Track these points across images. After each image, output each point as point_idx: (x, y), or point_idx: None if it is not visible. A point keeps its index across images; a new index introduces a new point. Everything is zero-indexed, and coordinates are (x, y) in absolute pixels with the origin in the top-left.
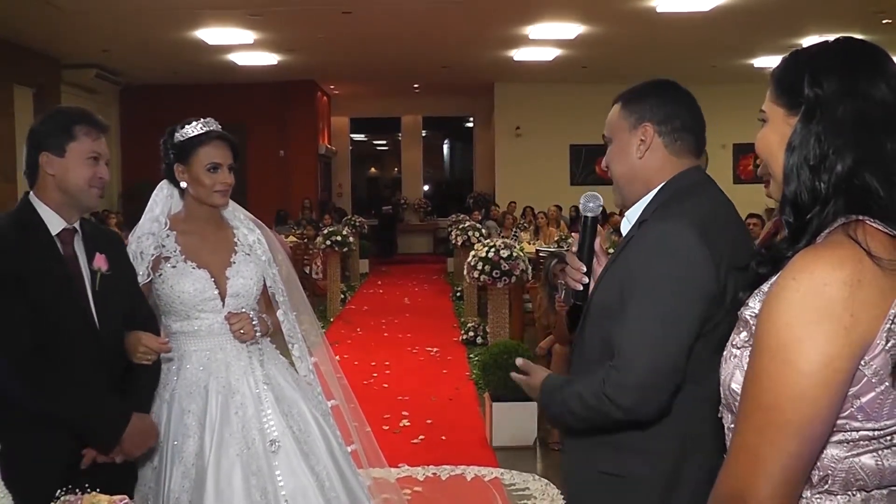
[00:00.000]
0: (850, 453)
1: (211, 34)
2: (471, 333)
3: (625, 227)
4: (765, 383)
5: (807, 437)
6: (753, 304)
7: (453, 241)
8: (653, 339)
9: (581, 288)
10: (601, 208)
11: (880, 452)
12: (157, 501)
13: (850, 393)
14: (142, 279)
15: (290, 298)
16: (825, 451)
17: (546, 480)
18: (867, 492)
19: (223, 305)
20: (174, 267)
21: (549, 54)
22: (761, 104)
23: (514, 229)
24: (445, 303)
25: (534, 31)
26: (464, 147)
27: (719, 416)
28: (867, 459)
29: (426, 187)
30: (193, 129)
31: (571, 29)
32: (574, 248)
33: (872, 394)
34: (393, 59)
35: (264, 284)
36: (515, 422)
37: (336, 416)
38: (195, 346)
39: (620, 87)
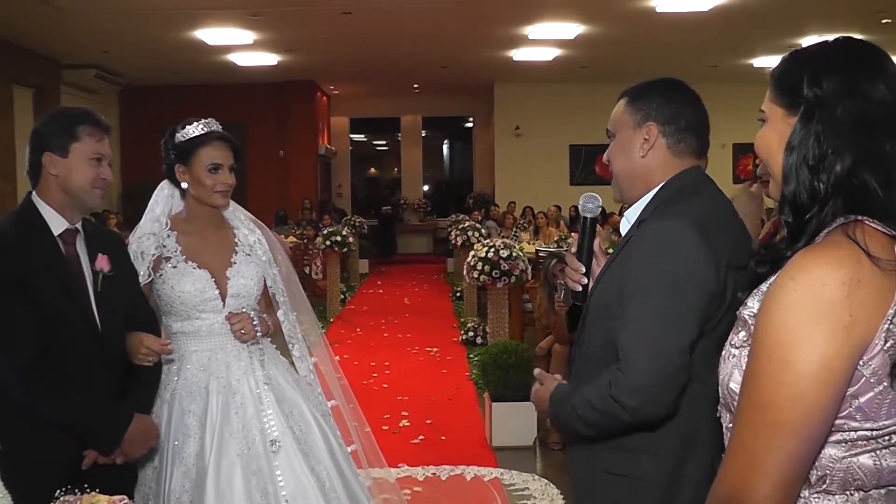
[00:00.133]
0: (848, 453)
1: (211, 34)
2: (470, 333)
3: (624, 227)
4: (763, 383)
5: (805, 436)
6: (752, 304)
7: (453, 242)
8: (655, 338)
9: (580, 288)
10: (600, 209)
11: (878, 452)
12: (158, 501)
13: (848, 393)
14: (142, 279)
15: (290, 299)
16: (823, 451)
17: (546, 480)
18: (865, 492)
19: (224, 306)
20: (175, 267)
21: (548, 54)
22: (761, 104)
23: (514, 229)
24: (445, 303)
25: (533, 31)
26: (463, 147)
27: (718, 415)
28: (865, 459)
29: (426, 187)
30: (194, 129)
31: (571, 29)
32: (573, 249)
33: (871, 394)
34: (392, 59)
35: (265, 285)
36: (515, 422)
37: (336, 416)
38: (196, 346)
39: (620, 87)
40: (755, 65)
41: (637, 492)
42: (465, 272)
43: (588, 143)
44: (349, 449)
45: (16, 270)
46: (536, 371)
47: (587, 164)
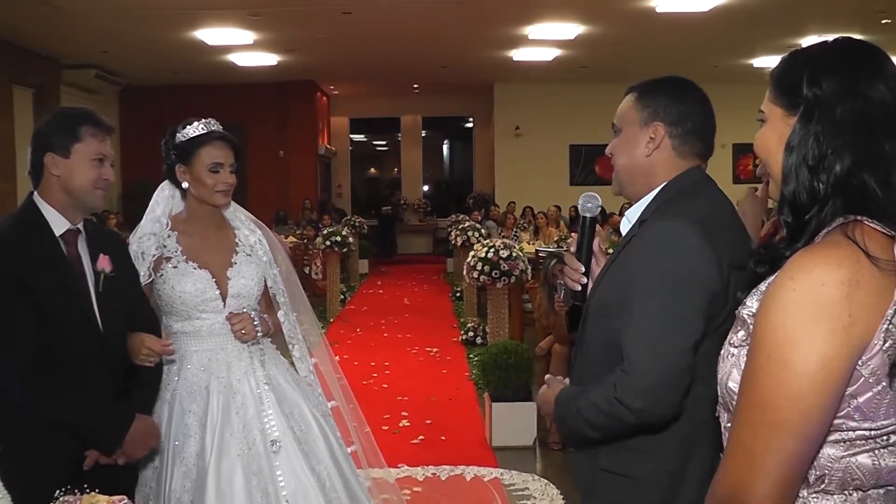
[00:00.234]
0: (846, 453)
1: (211, 34)
2: (470, 333)
3: (624, 227)
4: (762, 382)
5: (803, 436)
6: (751, 303)
7: (453, 242)
8: (661, 340)
9: (579, 288)
10: (600, 208)
11: (877, 452)
12: (158, 502)
13: (846, 393)
14: (143, 279)
15: (290, 299)
16: (822, 451)
17: (545, 480)
18: (864, 491)
19: (224, 306)
20: (175, 267)
21: (548, 54)
22: (761, 104)
23: (514, 229)
24: (445, 303)
25: (533, 31)
26: (463, 147)
27: (716, 414)
28: (864, 459)
29: (426, 187)
30: (195, 129)
31: (571, 29)
32: (572, 249)
33: (869, 394)
34: (392, 59)
35: (265, 285)
36: (515, 422)
37: (336, 416)
38: (196, 346)
39: (620, 88)
40: (755, 65)
41: (637, 492)
42: (464, 272)
43: (588, 143)
44: (349, 449)
45: (17, 271)
46: (547, 376)
47: (587, 165)
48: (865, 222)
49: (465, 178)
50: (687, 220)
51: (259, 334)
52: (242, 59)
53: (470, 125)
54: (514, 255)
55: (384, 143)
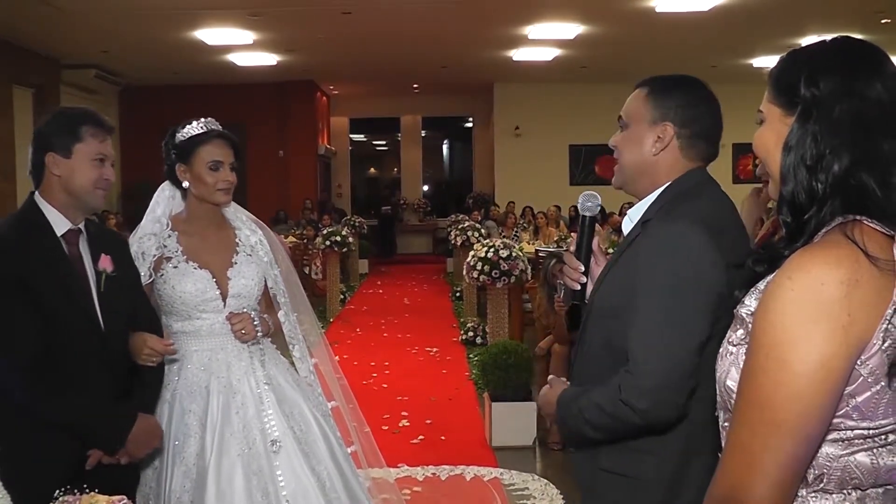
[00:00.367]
0: (845, 452)
1: (210, 34)
2: (470, 333)
3: (626, 226)
4: (760, 382)
5: (802, 436)
6: (749, 302)
7: (453, 242)
8: (667, 341)
9: (579, 287)
10: (599, 208)
11: (875, 451)
12: (159, 502)
13: (845, 392)
14: (143, 279)
15: (290, 300)
16: (820, 450)
17: (545, 480)
18: (862, 490)
19: (224, 306)
20: (176, 267)
21: (548, 54)
22: (760, 104)
23: (515, 229)
24: (445, 303)
25: (533, 31)
26: (463, 147)
27: (715, 414)
28: (862, 458)
29: (426, 187)
30: (194, 128)
31: (571, 29)
32: (572, 248)
33: (868, 393)
34: (392, 59)
35: (265, 285)
36: (515, 422)
37: (336, 417)
38: (196, 346)
39: (620, 87)
40: (755, 65)
41: (637, 492)
42: (464, 272)
43: (588, 143)
44: (349, 450)
45: (18, 271)
46: (550, 377)
47: (587, 164)
48: (865, 222)
49: (464, 178)
50: (692, 222)
51: (259, 334)
52: (242, 59)
53: (470, 125)
54: (513, 254)
55: (384, 143)
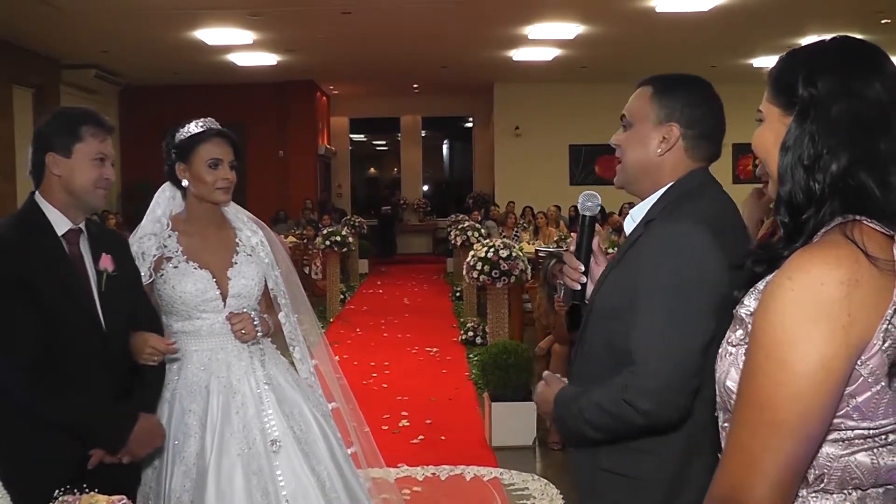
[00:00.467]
0: (845, 452)
1: (210, 34)
2: (470, 333)
3: (628, 226)
4: (760, 382)
5: (802, 436)
6: (749, 302)
7: (453, 242)
8: (672, 342)
9: (579, 287)
10: (599, 207)
11: (876, 451)
12: (159, 501)
13: (845, 392)
14: (144, 279)
15: (291, 300)
16: (821, 450)
17: (545, 480)
18: (863, 490)
19: (224, 306)
20: (176, 267)
21: (548, 54)
22: (760, 104)
23: (514, 229)
24: (445, 303)
25: (533, 31)
26: (463, 147)
27: (715, 414)
28: (862, 458)
29: (425, 187)
30: (194, 127)
31: (571, 29)
32: (572, 248)
33: (868, 393)
34: (392, 59)
35: (265, 285)
36: (515, 422)
37: (336, 418)
38: (196, 345)
39: (620, 87)
40: (755, 65)
41: (638, 492)
42: (464, 272)
43: (588, 143)
44: (350, 451)
45: (19, 270)
46: (546, 373)
47: (587, 164)
48: (864, 222)
49: (464, 178)
50: (696, 222)
51: (259, 334)
52: (242, 59)
53: (470, 125)
54: (513, 254)
55: (384, 143)
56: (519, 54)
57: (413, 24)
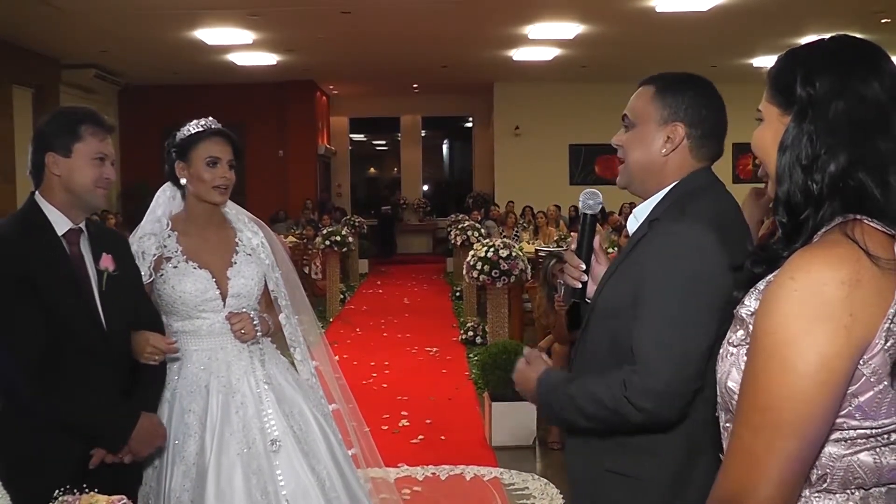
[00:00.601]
0: (848, 451)
1: (210, 34)
2: (470, 333)
3: (632, 225)
4: (762, 383)
5: (805, 437)
6: (749, 303)
7: (452, 241)
8: (676, 342)
9: (580, 286)
10: (601, 206)
11: (878, 450)
12: (158, 501)
13: (848, 392)
14: (143, 279)
15: (291, 301)
16: (823, 450)
17: (545, 480)
18: (866, 490)
19: (224, 305)
20: (175, 267)
21: (548, 54)
22: (760, 104)
23: (515, 228)
24: (445, 303)
25: (533, 30)
26: (463, 147)
27: (716, 415)
28: (865, 457)
29: (425, 187)
30: (194, 126)
31: (571, 29)
32: (573, 246)
33: (871, 393)
34: (392, 59)
35: (265, 285)
36: (515, 421)
37: (336, 419)
38: (196, 345)
39: (620, 87)
40: (755, 65)
41: (639, 492)
42: (464, 272)
43: (588, 143)
44: (350, 452)
45: (20, 270)
46: (526, 350)
47: (587, 164)
48: (865, 221)
49: (464, 177)
50: (701, 221)
51: (259, 334)
52: (242, 59)
53: (469, 125)
54: (513, 254)
55: (384, 142)
56: (519, 54)
57: (413, 24)
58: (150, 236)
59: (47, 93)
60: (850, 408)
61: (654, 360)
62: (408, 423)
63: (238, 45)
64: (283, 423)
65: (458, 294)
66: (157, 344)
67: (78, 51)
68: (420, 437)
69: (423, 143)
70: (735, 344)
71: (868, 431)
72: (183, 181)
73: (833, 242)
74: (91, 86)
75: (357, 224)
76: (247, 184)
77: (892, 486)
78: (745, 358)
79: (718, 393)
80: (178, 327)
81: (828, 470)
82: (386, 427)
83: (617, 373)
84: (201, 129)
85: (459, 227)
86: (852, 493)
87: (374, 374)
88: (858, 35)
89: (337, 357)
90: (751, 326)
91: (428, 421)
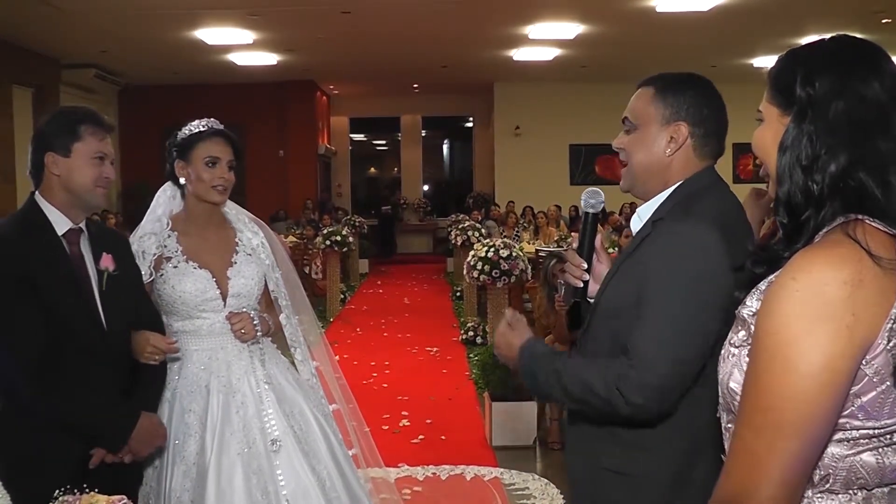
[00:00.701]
0: (850, 452)
1: (210, 34)
2: (470, 333)
3: (635, 225)
4: (764, 384)
5: (807, 437)
6: (751, 303)
7: (453, 241)
8: (678, 340)
9: (581, 285)
10: (602, 205)
11: (881, 450)
12: (159, 501)
13: (850, 392)
14: (143, 279)
15: (291, 301)
16: (826, 450)
17: (546, 480)
18: (868, 490)
19: (224, 305)
20: (176, 267)
21: (548, 54)
22: (760, 104)
23: (515, 228)
24: (445, 303)
25: (533, 30)
26: (463, 147)
27: (717, 416)
28: (868, 457)
29: (426, 187)
30: (195, 126)
31: (571, 29)
32: (574, 245)
33: (873, 393)
34: (392, 59)
35: (265, 285)
36: (515, 421)
37: (337, 419)
38: (196, 345)
39: (620, 87)
40: (755, 65)
41: (639, 492)
42: (464, 272)
43: (588, 143)
44: (350, 452)
45: (20, 270)
46: (508, 312)
47: (587, 164)
48: (867, 221)
49: (464, 177)
50: (705, 221)
51: (259, 334)
52: (242, 59)
53: (470, 125)
54: (514, 254)
55: (384, 142)
56: (519, 54)
57: (413, 24)
58: (150, 236)
59: (47, 93)
60: (853, 408)
61: (652, 357)
62: (408, 423)
63: (238, 45)
64: (283, 423)
65: (458, 294)
66: (157, 344)
67: (78, 51)
68: (420, 437)
69: (423, 142)
70: (736, 345)
71: (871, 432)
72: (182, 180)
73: (835, 242)
74: (91, 86)
75: (357, 224)
76: (247, 184)
77: (894, 486)
78: (746, 359)
79: (720, 394)
80: (179, 327)
81: (830, 470)
82: (386, 427)
83: (611, 363)
84: (202, 129)
85: (460, 227)
86: (855, 494)
87: (375, 374)
88: (858, 35)
89: (337, 357)
90: (752, 327)
91: (428, 421)
